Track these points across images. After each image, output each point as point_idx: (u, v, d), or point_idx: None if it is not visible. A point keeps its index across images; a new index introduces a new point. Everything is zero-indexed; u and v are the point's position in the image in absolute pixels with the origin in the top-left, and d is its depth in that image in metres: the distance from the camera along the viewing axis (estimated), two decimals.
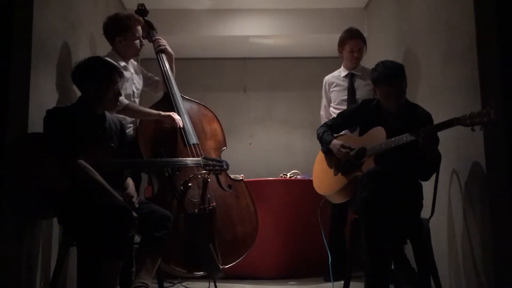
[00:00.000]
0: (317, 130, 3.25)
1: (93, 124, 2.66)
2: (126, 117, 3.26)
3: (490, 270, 2.59)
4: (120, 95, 2.74)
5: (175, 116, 3.24)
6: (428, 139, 2.56)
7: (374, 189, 2.60)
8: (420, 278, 2.62)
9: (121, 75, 2.70)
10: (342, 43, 3.88)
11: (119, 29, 3.25)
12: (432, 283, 2.71)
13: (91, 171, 2.49)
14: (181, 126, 3.24)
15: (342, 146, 2.98)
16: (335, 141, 3.04)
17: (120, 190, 2.69)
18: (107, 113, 2.76)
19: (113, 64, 2.74)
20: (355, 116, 3.14)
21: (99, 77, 2.62)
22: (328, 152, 3.13)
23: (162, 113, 3.22)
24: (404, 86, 2.87)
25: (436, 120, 2.74)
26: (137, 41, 3.31)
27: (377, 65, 2.89)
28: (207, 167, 3.01)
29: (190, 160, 3.03)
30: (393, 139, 2.71)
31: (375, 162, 2.79)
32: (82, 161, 2.48)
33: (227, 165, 3.08)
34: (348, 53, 3.84)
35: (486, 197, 2.62)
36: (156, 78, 3.64)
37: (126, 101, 3.12)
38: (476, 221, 2.73)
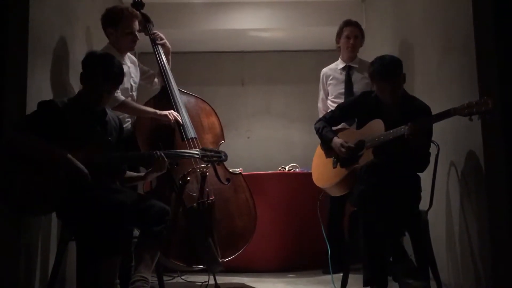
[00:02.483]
0: (315, 124, 3.24)
1: (91, 118, 2.64)
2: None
3: (488, 261, 2.60)
4: (112, 94, 2.69)
5: (171, 116, 3.19)
6: (416, 130, 2.57)
7: (372, 182, 2.60)
8: (418, 270, 2.63)
9: (121, 72, 2.67)
10: (339, 32, 3.92)
11: (111, 21, 3.23)
12: (431, 275, 2.72)
13: (33, 140, 2.40)
14: (181, 123, 3.22)
15: (342, 145, 2.98)
16: (336, 140, 3.03)
17: (120, 184, 2.69)
18: (108, 110, 2.75)
19: (114, 60, 2.70)
20: (353, 109, 3.14)
21: (96, 73, 2.60)
22: (328, 149, 3.13)
23: (159, 112, 3.18)
24: (401, 81, 2.87)
25: (433, 113, 2.75)
26: (129, 36, 3.24)
27: (375, 60, 2.89)
28: (205, 158, 2.97)
29: (188, 152, 3.01)
30: (391, 130, 2.72)
31: (374, 154, 2.79)
32: (24, 133, 2.42)
33: (226, 156, 3.03)
34: (345, 41, 3.86)
35: (483, 189, 2.63)
36: (152, 71, 3.63)
37: (122, 97, 3.10)
38: (474, 212, 2.74)
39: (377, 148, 2.81)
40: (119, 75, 2.64)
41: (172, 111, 3.24)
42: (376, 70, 2.84)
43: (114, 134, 2.73)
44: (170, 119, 3.18)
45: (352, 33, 3.85)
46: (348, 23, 3.88)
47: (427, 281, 2.60)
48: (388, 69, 2.82)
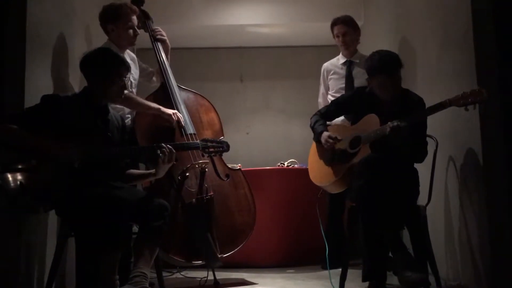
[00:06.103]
0: (311, 118, 3.24)
1: (93, 113, 2.64)
2: (124, 108, 3.25)
3: (487, 256, 2.61)
4: (125, 88, 2.70)
5: (176, 116, 3.20)
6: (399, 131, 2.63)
7: (370, 176, 2.61)
8: (416, 262, 2.63)
9: (128, 69, 2.68)
10: (332, 32, 3.94)
11: (111, 18, 3.23)
12: (429, 269, 2.73)
13: (9, 130, 2.38)
14: (182, 125, 3.22)
15: (329, 136, 2.98)
16: (325, 133, 3.04)
17: (120, 180, 2.69)
18: (110, 108, 2.75)
19: (121, 57, 2.71)
20: (349, 104, 3.14)
21: (105, 69, 2.60)
22: (320, 142, 3.13)
23: (163, 109, 3.18)
24: (399, 77, 2.86)
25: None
26: (130, 31, 3.26)
27: (372, 54, 2.88)
28: (206, 149, 2.92)
29: (189, 143, 2.97)
30: (386, 125, 2.71)
31: (371, 149, 2.80)
32: (12, 126, 2.40)
33: (228, 146, 2.93)
34: (336, 40, 3.92)
35: (482, 184, 2.63)
36: (151, 69, 3.63)
37: (125, 91, 3.09)
38: (473, 207, 2.74)
39: (374, 143, 2.81)
40: (128, 64, 2.70)
41: (176, 111, 3.24)
42: (374, 64, 2.82)
43: (115, 132, 2.73)
44: (173, 119, 3.18)
45: (339, 32, 3.87)
46: (334, 23, 3.90)
47: (425, 273, 2.60)
48: (388, 63, 2.80)
